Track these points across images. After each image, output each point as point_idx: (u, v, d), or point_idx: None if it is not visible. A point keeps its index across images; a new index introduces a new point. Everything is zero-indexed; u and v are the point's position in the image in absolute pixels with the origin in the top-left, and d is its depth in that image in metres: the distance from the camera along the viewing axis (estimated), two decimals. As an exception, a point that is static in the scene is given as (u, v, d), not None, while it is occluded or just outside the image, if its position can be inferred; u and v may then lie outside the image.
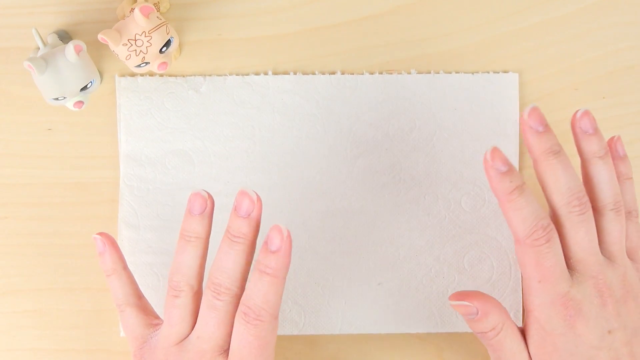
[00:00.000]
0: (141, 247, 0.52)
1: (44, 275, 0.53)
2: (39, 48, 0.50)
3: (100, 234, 0.49)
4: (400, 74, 0.54)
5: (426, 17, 0.54)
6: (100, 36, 0.47)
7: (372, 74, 0.54)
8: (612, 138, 0.50)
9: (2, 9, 0.54)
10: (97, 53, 0.53)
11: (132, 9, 0.49)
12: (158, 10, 0.52)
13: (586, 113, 0.47)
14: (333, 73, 0.54)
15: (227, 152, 0.53)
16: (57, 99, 0.48)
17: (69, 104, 0.49)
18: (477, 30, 0.54)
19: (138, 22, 0.47)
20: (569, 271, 0.45)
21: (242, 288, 0.45)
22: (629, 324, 0.45)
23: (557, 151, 0.45)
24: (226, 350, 0.45)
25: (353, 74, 0.54)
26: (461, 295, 0.46)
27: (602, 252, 0.46)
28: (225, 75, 0.54)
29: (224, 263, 0.44)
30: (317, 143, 0.53)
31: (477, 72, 0.54)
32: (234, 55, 0.54)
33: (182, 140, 0.53)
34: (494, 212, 0.50)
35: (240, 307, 0.44)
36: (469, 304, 0.46)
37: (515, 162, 0.53)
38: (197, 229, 0.45)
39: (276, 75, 0.53)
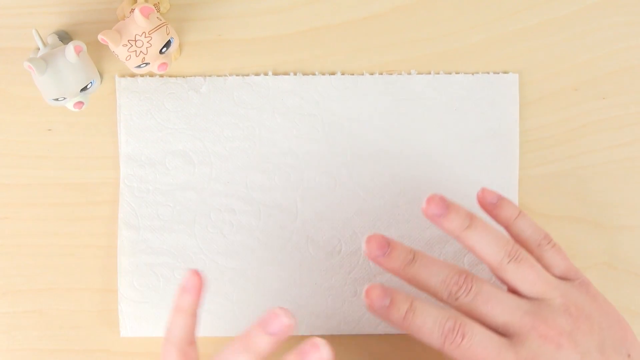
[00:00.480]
0: (141, 248, 0.52)
1: (44, 275, 0.53)
2: (39, 48, 0.50)
3: (195, 272, 0.45)
4: (400, 74, 0.54)
5: (426, 17, 0.54)
6: (100, 37, 0.47)
7: (372, 74, 0.54)
8: (478, 194, 0.48)
9: (2, 9, 0.54)
10: (97, 53, 0.53)
11: (132, 10, 0.49)
12: (158, 11, 0.52)
13: (431, 199, 0.46)
14: (333, 73, 0.54)
15: (227, 152, 0.53)
16: (57, 99, 0.48)
17: (69, 104, 0.49)
18: (477, 30, 0.54)
19: (138, 22, 0.47)
20: (506, 339, 0.44)
21: None
22: (591, 346, 0.44)
23: (411, 259, 0.45)
24: None
25: (353, 74, 0.54)
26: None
27: (529, 299, 0.45)
28: (226, 75, 0.54)
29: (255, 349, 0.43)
30: (317, 143, 0.53)
31: (477, 72, 0.54)
32: (234, 56, 0.54)
33: (182, 140, 0.53)
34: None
35: None
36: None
37: (515, 161, 0.53)
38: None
39: (276, 76, 0.53)
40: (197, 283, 0.45)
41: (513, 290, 0.45)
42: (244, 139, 0.53)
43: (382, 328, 0.52)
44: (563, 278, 0.47)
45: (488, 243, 0.45)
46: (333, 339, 0.53)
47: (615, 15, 0.54)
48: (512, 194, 0.53)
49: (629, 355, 0.44)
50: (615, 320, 0.46)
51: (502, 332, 0.44)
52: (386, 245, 0.45)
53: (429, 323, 0.44)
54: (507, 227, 0.48)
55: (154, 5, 0.52)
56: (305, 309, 0.52)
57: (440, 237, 0.53)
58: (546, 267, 0.47)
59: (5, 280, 0.53)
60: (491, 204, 0.48)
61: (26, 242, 0.53)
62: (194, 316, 0.45)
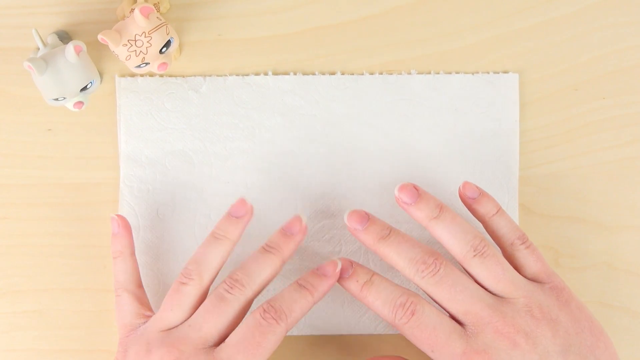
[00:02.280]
0: (141, 248, 0.52)
1: (44, 275, 0.53)
2: (39, 48, 0.50)
3: (118, 216, 0.50)
4: (400, 74, 0.54)
5: (426, 17, 0.54)
6: (100, 37, 0.47)
7: (372, 74, 0.54)
8: (459, 188, 0.49)
9: (2, 9, 0.54)
10: (97, 53, 0.53)
11: (132, 10, 0.49)
12: (158, 11, 0.52)
13: (403, 187, 0.48)
14: (333, 73, 0.54)
15: (227, 152, 0.53)
16: (57, 99, 0.48)
17: (69, 104, 0.49)
18: (477, 30, 0.54)
19: (138, 22, 0.47)
20: (466, 328, 0.44)
21: (255, 294, 0.46)
22: (552, 350, 0.43)
23: (386, 234, 0.47)
24: (212, 347, 0.44)
25: (353, 74, 0.54)
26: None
27: (493, 294, 0.45)
28: (225, 75, 0.54)
29: (250, 266, 0.46)
30: (317, 143, 0.53)
31: (477, 72, 0.54)
32: (234, 56, 0.54)
33: (182, 140, 0.53)
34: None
35: (262, 305, 0.45)
36: None
37: (515, 161, 0.53)
38: (229, 230, 0.47)
39: (276, 76, 0.53)
40: (126, 227, 0.50)
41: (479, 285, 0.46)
42: (244, 139, 0.53)
43: (382, 328, 0.52)
44: (534, 280, 0.47)
45: (455, 235, 0.46)
46: (333, 339, 0.53)
47: (615, 15, 0.54)
48: (512, 194, 0.53)
49: None
50: (587, 327, 0.45)
51: (459, 320, 0.45)
52: (366, 219, 0.48)
53: (382, 297, 0.46)
54: (484, 223, 0.49)
55: (154, 5, 0.52)
56: (305, 309, 0.52)
57: (440, 237, 0.53)
58: (517, 267, 0.47)
59: (5, 280, 0.53)
60: (471, 198, 0.49)
61: (26, 242, 0.53)
62: (132, 257, 0.50)
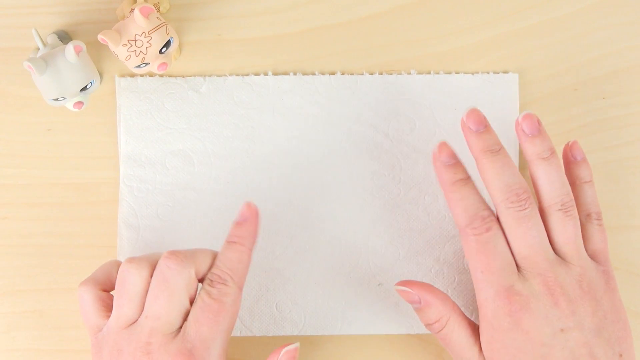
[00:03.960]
0: (141, 248, 0.52)
1: (44, 275, 0.53)
2: (38, 48, 0.50)
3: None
4: (400, 74, 0.54)
5: (426, 17, 0.54)
6: (100, 37, 0.47)
7: (372, 74, 0.54)
8: (568, 143, 0.50)
9: (2, 9, 0.54)
10: (97, 53, 0.53)
11: (132, 10, 0.49)
12: (158, 11, 0.52)
13: (528, 115, 0.47)
14: (333, 73, 0.54)
15: (227, 152, 0.53)
16: (57, 99, 0.48)
17: (69, 104, 0.50)
18: (477, 30, 0.54)
19: (138, 22, 0.47)
20: (519, 268, 0.45)
21: (196, 269, 0.45)
22: (587, 325, 0.44)
23: (497, 150, 0.47)
24: (179, 329, 0.44)
25: (353, 74, 0.54)
26: (407, 282, 0.48)
27: (556, 252, 0.46)
28: (225, 75, 0.54)
29: (188, 249, 0.46)
30: (317, 143, 0.53)
31: (477, 72, 0.54)
32: (234, 56, 0.54)
33: (182, 140, 0.53)
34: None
35: (207, 276, 0.45)
36: (411, 290, 0.47)
37: (515, 161, 0.53)
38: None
39: (276, 76, 0.53)
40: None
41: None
42: (244, 139, 0.53)
43: (382, 328, 0.52)
44: (592, 257, 0.47)
45: (552, 182, 0.47)
46: (333, 339, 0.53)
47: (615, 15, 0.54)
48: (512, 194, 0.53)
49: (620, 355, 0.45)
50: (622, 320, 0.46)
51: (516, 260, 0.46)
52: (483, 125, 0.47)
53: (469, 202, 0.47)
54: (573, 186, 0.49)
55: (154, 5, 0.52)
56: (305, 309, 0.52)
57: (440, 237, 0.53)
58: (584, 239, 0.48)
59: (5, 280, 0.53)
60: (574, 158, 0.50)
61: (26, 242, 0.53)
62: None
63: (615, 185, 0.54)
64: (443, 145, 0.48)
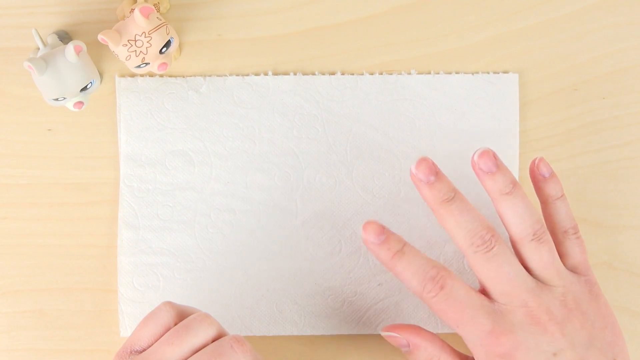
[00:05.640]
0: (141, 248, 0.52)
1: (43, 275, 0.53)
2: (38, 48, 0.50)
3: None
4: (400, 74, 0.54)
5: (426, 17, 0.54)
6: (100, 37, 0.47)
7: (372, 74, 0.54)
8: (534, 161, 0.49)
9: (2, 9, 0.54)
10: (97, 53, 0.53)
11: (132, 10, 0.49)
12: (158, 11, 0.52)
13: (485, 153, 0.46)
14: (333, 73, 0.54)
15: (227, 152, 0.53)
16: (57, 99, 0.48)
17: (69, 104, 0.49)
18: (477, 30, 0.54)
19: (138, 22, 0.47)
20: (497, 305, 0.45)
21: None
22: (578, 340, 0.44)
23: (451, 197, 0.46)
24: None
25: (353, 74, 0.54)
26: (392, 327, 0.48)
27: (535, 278, 0.46)
28: (225, 75, 0.54)
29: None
30: (317, 143, 0.53)
31: (477, 72, 0.54)
32: (234, 56, 0.54)
33: (182, 140, 0.53)
34: (493, 212, 0.50)
35: (233, 335, 0.44)
36: (398, 335, 0.47)
37: (515, 161, 0.53)
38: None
39: (276, 76, 0.53)
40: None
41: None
42: (244, 139, 0.53)
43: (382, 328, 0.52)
44: (572, 270, 0.47)
45: (520, 215, 0.46)
46: (333, 339, 0.53)
47: (615, 15, 0.54)
48: (512, 194, 0.53)
49: (614, 359, 0.45)
50: (610, 324, 0.46)
51: (491, 297, 0.45)
52: (434, 174, 0.46)
53: (413, 268, 0.45)
54: (545, 204, 0.49)
55: (154, 5, 0.52)
56: (305, 309, 0.52)
57: (440, 237, 0.53)
58: (562, 255, 0.47)
59: (5, 280, 0.53)
60: (541, 176, 0.49)
61: (26, 242, 0.53)
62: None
63: (615, 185, 0.54)
64: (368, 224, 0.46)
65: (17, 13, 0.54)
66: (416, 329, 0.47)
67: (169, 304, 0.45)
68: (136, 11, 0.47)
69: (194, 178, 0.53)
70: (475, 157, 0.47)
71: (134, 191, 0.53)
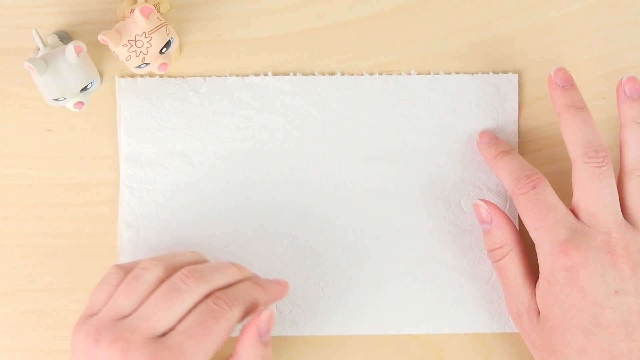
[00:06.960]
0: (141, 248, 0.52)
1: (43, 275, 0.53)
2: (39, 49, 0.50)
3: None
4: (400, 74, 0.54)
5: (426, 17, 0.54)
6: (100, 37, 0.47)
7: (372, 74, 0.54)
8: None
9: (2, 9, 0.54)
10: (97, 54, 0.53)
11: (132, 10, 0.49)
12: (158, 11, 0.52)
13: (632, 78, 0.48)
14: (333, 74, 0.54)
15: (227, 153, 0.53)
16: (57, 99, 0.49)
17: (69, 104, 0.50)
18: (477, 30, 0.54)
19: (138, 23, 0.47)
20: (580, 224, 0.45)
21: (210, 290, 0.45)
22: None
23: (581, 107, 0.47)
24: (159, 337, 0.43)
25: (353, 74, 0.54)
26: (485, 202, 0.49)
27: (626, 218, 0.46)
28: (225, 76, 0.54)
29: (213, 265, 0.46)
30: (317, 144, 0.53)
31: (477, 73, 0.54)
32: (234, 56, 0.54)
33: (182, 141, 0.53)
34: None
35: (215, 293, 0.44)
36: (487, 207, 0.48)
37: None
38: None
39: (276, 76, 0.53)
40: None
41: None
42: (244, 140, 0.53)
43: (382, 328, 0.52)
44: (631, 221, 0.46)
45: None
46: (333, 339, 0.53)
47: (615, 15, 0.54)
48: (512, 194, 0.53)
49: None
50: None
51: (579, 216, 0.46)
52: (570, 82, 0.49)
53: (512, 165, 0.48)
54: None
55: (154, 5, 0.52)
56: (305, 309, 0.52)
57: (440, 237, 0.53)
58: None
59: (5, 280, 0.53)
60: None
61: (26, 242, 0.53)
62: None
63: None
64: (484, 133, 0.51)
65: (17, 13, 0.54)
66: (504, 212, 0.49)
67: (117, 265, 0.47)
68: (136, 11, 0.47)
69: (193, 178, 0.53)
70: (624, 79, 0.48)
71: (133, 191, 0.53)
